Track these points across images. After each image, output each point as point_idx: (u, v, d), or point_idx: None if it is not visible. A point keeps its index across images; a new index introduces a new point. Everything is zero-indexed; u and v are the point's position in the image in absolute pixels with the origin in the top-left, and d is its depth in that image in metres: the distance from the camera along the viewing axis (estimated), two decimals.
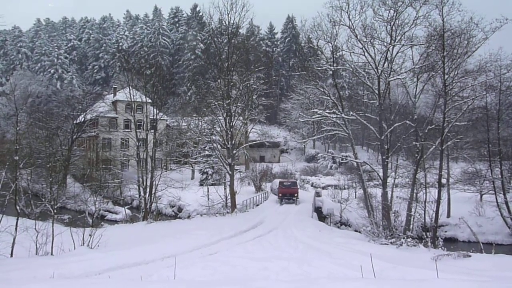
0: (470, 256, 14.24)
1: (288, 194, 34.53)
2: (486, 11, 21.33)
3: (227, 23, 29.63)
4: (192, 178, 48.54)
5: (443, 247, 17.73)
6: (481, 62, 22.01)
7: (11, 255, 13.77)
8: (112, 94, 55.18)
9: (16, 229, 14.20)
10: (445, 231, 28.28)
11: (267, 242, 18.25)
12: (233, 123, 30.62)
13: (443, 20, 21.26)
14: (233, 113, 30.46)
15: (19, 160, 17.04)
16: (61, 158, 41.14)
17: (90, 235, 15.73)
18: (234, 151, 30.64)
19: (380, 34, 23.52)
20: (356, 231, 26.73)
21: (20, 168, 18.76)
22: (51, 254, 14.26)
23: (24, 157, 24.45)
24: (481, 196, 31.76)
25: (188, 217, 31.61)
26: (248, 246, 16.85)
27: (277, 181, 39.79)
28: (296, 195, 34.66)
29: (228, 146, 30.03)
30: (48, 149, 38.57)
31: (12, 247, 13.91)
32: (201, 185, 41.56)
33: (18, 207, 15.82)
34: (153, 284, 8.08)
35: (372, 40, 23.49)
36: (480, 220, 28.34)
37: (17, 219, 14.78)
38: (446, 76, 21.62)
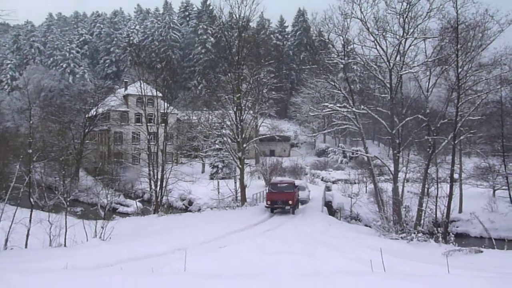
0: (482, 251, 14.09)
1: (279, 201, 24.75)
2: (501, 2, 20.91)
3: (237, 16, 29.54)
4: (203, 171, 48.78)
5: (454, 243, 17.55)
6: (496, 55, 21.69)
7: (26, 247, 14.04)
8: (123, 88, 55.54)
9: (30, 221, 14.46)
10: (457, 227, 27.99)
11: (276, 236, 18.29)
12: (243, 117, 30.61)
13: (457, 12, 20.90)
14: (243, 107, 30.44)
15: (32, 153, 17.30)
16: (74, 151, 41.70)
17: (102, 228, 15.93)
18: (244, 145, 30.67)
19: (393, 26, 23.30)
20: (366, 225, 26.62)
21: (34, 161, 19.07)
22: (65, 245, 14.49)
23: (38, 150, 24.84)
24: (494, 192, 31.33)
25: (199, 210, 31.86)
26: (258, 240, 16.90)
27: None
28: (291, 202, 24.80)
29: (238, 140, 30.05)
30: (61, 143, 39.11)
31: (27, 238, 14.18)
32: (211, 178, 41.75)
33: (32, 200, 16.09)
34: (164, 276, 8.16)
35: (384, 33, 23.26)
36: (492, 216, 27.96)
37: (31, 211, 15.04)
38: (460, 70, 21.28)
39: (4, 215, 13.80)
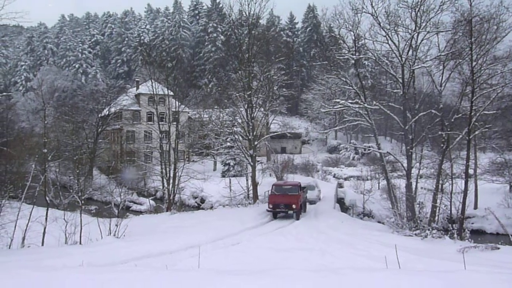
0: (498, 248, 13.88)
1: (281, 205, 22.43)
2: None
3: (247, 13, 29.46)
4: (214, 169, 48.93)
5: (470, 239, 17.30)
6: None
7: (42, 244, 14.30)
8: (135, 88, 56.03)
9: (46, 219, 14.73)
10: (472, 223, 27.57)
11: (288, 233, 18.27)
12: (254, 115, 30.58)
13: (470, 5, 20.47)
14: (254, 105, 30.40)
15: (47, 153, 17.59)
16: (87, 150, 42.19)
17: (116, 225, 16.13)
18: (256, 143, 30.66)
19: (404, 21, 22.92)
20: (379, 222, 26.42)
21: (49, 161, 19.40)
22: (80, 243, 14.71)
23: (52, 150, 25.25)
24: (510, 187, 30.80)
25: (211, 208, 31.97)
26: (270, 237, 16.92)
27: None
28: (294, 206, 22.26)
29: (250, 137, 30.05)
30: (75, 142, 39.65)
31: (43, 236, 14.44)
32: (223, 176, 41.86)
33: (47, 198, 16.36)
34: (178, 272, 8.22)
35: (395, 28, 22.93)
36: (509, 211, 27.48)
37: (47, 210, 15.32)
38: (474, 63, 20.85)
39: (20, 214, 14.08)
